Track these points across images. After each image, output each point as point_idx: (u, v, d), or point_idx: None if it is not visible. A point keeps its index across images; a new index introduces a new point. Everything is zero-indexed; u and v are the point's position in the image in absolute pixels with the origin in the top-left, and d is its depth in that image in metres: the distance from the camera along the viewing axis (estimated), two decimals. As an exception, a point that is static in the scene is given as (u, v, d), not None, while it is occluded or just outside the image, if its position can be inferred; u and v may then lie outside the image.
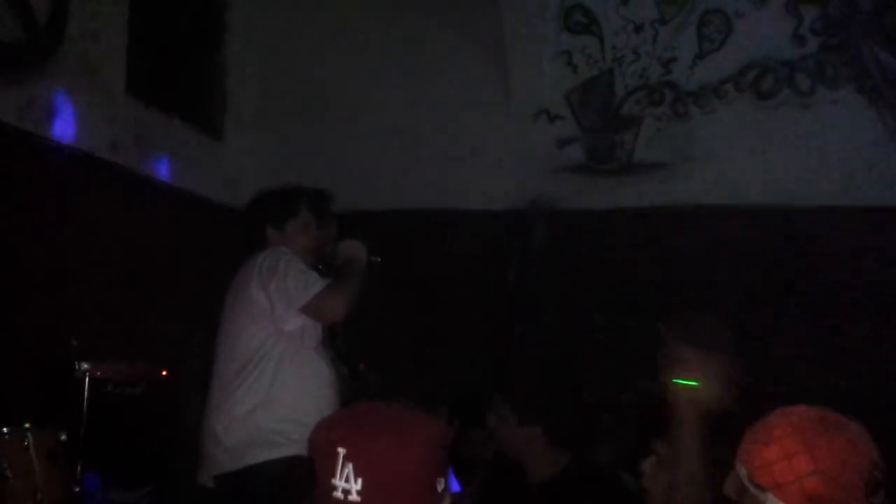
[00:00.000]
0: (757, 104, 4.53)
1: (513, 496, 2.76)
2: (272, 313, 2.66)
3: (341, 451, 1.25)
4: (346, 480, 1.24)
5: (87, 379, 3.30)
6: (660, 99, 4.66)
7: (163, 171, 4.35)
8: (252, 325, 2.69)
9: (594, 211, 4.65)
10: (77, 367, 3.30)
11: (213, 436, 2.70)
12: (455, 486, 2.76)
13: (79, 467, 3.11)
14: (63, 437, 2.91)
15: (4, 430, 2.73)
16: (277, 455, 2.60)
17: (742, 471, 1.54)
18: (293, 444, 2.57)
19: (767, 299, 4.31)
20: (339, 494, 1.24)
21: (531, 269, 4.74)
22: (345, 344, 3.13)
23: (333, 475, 1.25)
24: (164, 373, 3.75)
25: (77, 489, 2.95)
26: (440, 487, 1.32)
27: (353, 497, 1.24)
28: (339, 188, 3.71)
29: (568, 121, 4.80)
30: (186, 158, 4.60)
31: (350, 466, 1.24)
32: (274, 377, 2.67)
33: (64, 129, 3.71)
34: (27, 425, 2.80)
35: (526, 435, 2.63)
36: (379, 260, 3.02)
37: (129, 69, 4.16)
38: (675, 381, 1.83)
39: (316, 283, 2.67)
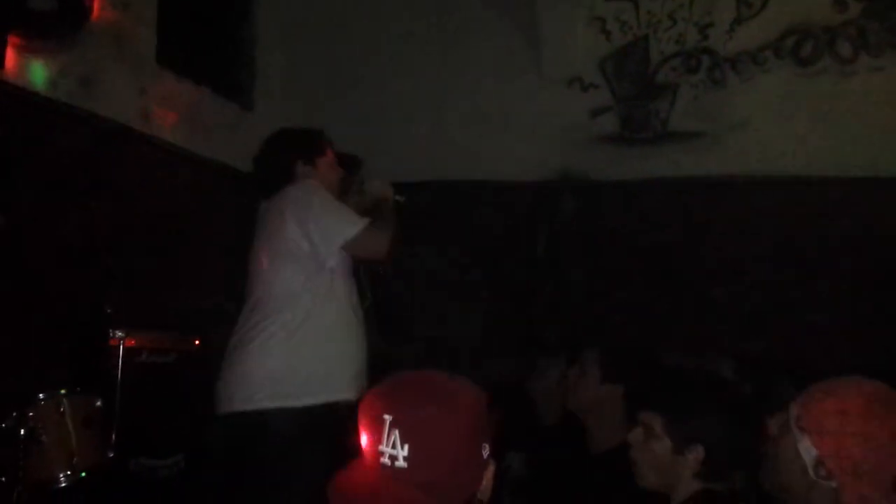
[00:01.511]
0: (796, 71, 4.41)
1: (571, 464, 2.63)
2: (311, 250, 2.64)
3: (388, 417, 1.29)
4: (393, 447, 1.27)
5: (121, 347, 3.34)
6: (696, 66, 4.55)
7: (193, 140, 4.35)
8: (289, 263, 2.67)
9: (627, 181, 4.58)
10: (111, 335, 3.34)
11: (231, 372, 2.65)
12: None
13: (113, 434, 3.15)
14: (98, 404, 2.96)
15: (40, 395, 2.78)
16: (292, 404, 2.55)
17: (793, 411, 1.56)
18: (310, 395, 2.56)
19: (802, 271, 4.23)
20: (386, 460, 1.28)
21: (561, 241, 4.70)
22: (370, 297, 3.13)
23: (381, 442, 1.29)
24: (196, 342, 3.78)
25: (111, 454, 2.98)
26: (485, 453, 1.35)
27: (401, 463, 1.27)
28: (368, 159, 3.73)
29: (602, 89, 4.71)
30: (216, 128, 4.59)
31: (397, 433, 1.27)
32: (305, 319, 2.64)
33: (95, 99, 3.72)
34: (63, 391, 2.85)
35: (606, 393, 2.50)
36: (404, 200, 3.03)
37: (159, 40, 4.16)
38: None
39: (359, 221, 2.69)
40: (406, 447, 1.27)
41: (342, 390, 2.61)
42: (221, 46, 4.86)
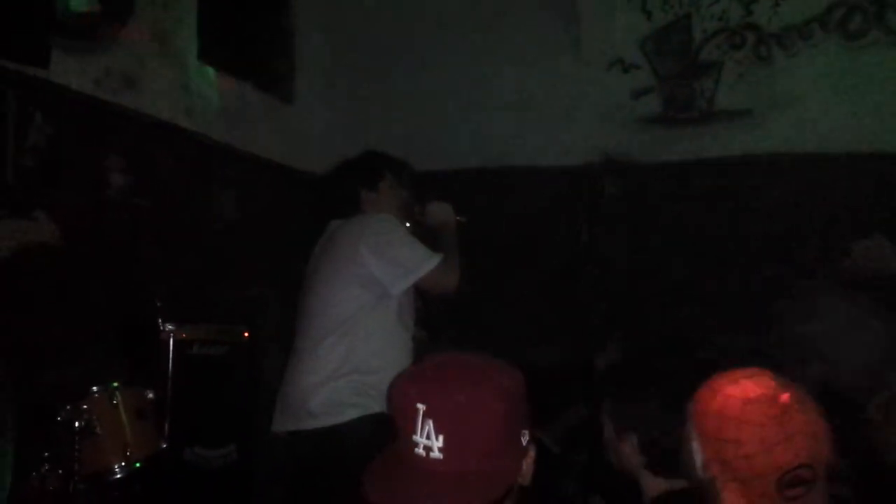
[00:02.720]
0: (844, 45, 4.28)
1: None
2: (380, 280, 2.70)
3: (421, 407, 1.23)
4: (428, 437, 1.22)
5: (171, 340, 3.40)
6: (741, 42, 4.45)
7: (236, 136, 4.39)
8: (353, 288, 2.73)
9: (671, 163, 4.50)
10: (162, 328, 3.40)
11: (298, 394, 2.73)
12: None
13: (166, 425, 3.21)
14: (150, 395, 3.01)
15: (94, 388, 2.83)
16: (361, 413, 2.63)
17: (689, 407, 1.54)
18: (376, 404, 2.61)
19: (856, 251, 4.12)
20: (420, 451, 1.23)
21: (604, 225, 4.65)
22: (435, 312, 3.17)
23: (415, 431, 1.24)
24: (246, 334, 3.83)
25: (165, 445, 3.03)
26: (524, 440, 1.29)
27: (436, 454, 1.22)
28: (409, 149, 3.72)
29: (643, 70, 4.63)
30: (258, 123, 4.63)
31: (430, 423, 1.22)
32: (365, 341, 2.70)
33: (139, 97, 3.77)
34: (115, 384, 2.90)
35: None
36: (466, 220, 3.04)
37: (199, 36, 4.20)
38: None
39: (432, 257, 2.74)
40: (441, 438, 1.22)
41: None
42: (261, 41, 4.89)
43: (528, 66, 4.80)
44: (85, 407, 2.75)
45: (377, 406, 2.61)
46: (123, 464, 2.79)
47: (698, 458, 1.49)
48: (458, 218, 3.02)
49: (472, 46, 4.90)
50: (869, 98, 4.22)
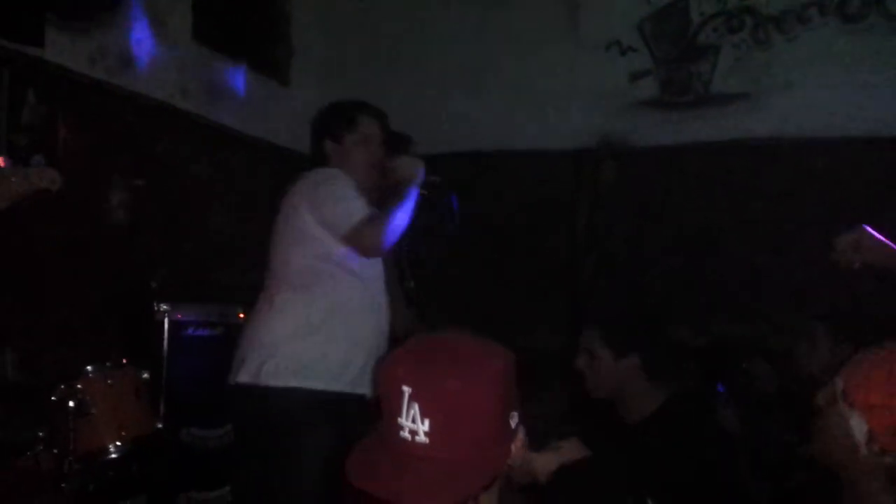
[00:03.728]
0: (843, 29, 4.26)
1: (611, 437, 2.59)
2: (320, 238, 2.55)
3: (406, 390, 1.19)
4: (413, 421, 1.19)
5: (166, 321, 3.39)
6: (739, 25, 4.43)
7: (231, 117, 4.37)
8: (301, 246, 2.58)
9: (668, 146, 4.49)
10: (157, 309, 3.39)
11: (249, 347, 2.58)
12: None
13: (161, 405, 3.21)
14: (145, 376, 3.00)
15: (89, 368, 2.82)
16: (301, 385, 2.47)
17: (839, 384, 1.49)
18: (321, 380, 2.48)
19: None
20: (406, 434, 1.19)
21: (602, 209, 4.64)
22: (411, 280, 3.09)
23: (399, 414, 1.20)
24: (241, 315, 3.81)
25: (160, 426, 3.03)
26: (513, 422, 1.26)
27: (421, 438, 1.18)
28: (406, 131, 3.71)
29: (641, 52, 4.61)
30: (254, 104, 4.61)
31: (416, 407, 1.19)
32: (321, 302, 2.55)
33: (134, 76, 3.75)
34: (110, 364, 2.90)
35: (625, 369, 2.39)
36: (439, 180, 2.92)
37: (195, 16, 4.17)
38: None
39: (355, 213, 2.51)
40: (427, 422, 1.18)
41: (355, 383, 2.55)
42: (257, 21, 4.86)
43: (526, 49, 4.77)
44: (79, 387, 2.74)
45: (322, 382, 2.48)
46: (118, 444, 2.78)
47: (861, 433, 1.45)
48: (430, 178, 2.84)
49: (469, 29, 4.88)
50: (867, 81, 4.20)
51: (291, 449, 2.44)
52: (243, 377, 2.53)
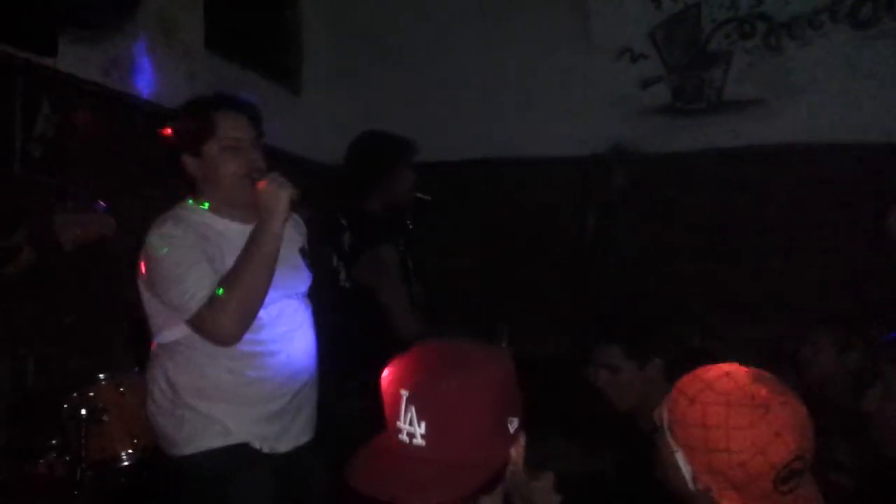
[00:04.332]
0: (854, 35, 4.26)
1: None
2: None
3: (404, 393, 1.22)
4: (411, 424, 1.21)
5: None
6: (750, 31, 4.42)
7: (244, 125, 4.38)
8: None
9: (681, 153, 4.49)
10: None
11: None
12: None
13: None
14: (157, 384, 3.00)
15: (101, 376, 2.83)
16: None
17: (664, 416, 1.48)
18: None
19: (865, 241, 4.09)
20: (404, 437, 1.22)
21: (613, 216, 4.63)
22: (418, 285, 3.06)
23: (398, 417, 1.22)
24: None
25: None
26: (512, 427, 1.26)
27: (418, 441, 1.21)
28: (417, 139, 3.71)
29: (652, 59, 4.61)
30: (265, 113, 4.60)
31: (413, 410, 1.21)
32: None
33: (146, 85, 3.77)
34: (122, 372, 2.90)
35: (650, 376, 2.38)
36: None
37: (206, 25, 4.20)
38: None
39: (190, 294, 2.04)
40: (423, 425, 1.20)
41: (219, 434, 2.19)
42: (268, 30, 4.89)
43: (536, 56, 4.78)
44: (92, 394, 2.75)
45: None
46: (130, 451, 2.79)
47: (686, 471, 1.43)
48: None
49: (479, 36, 4.89)
50: (880, 87, 4.19)
51: None
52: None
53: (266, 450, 2.22)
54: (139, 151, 3.73)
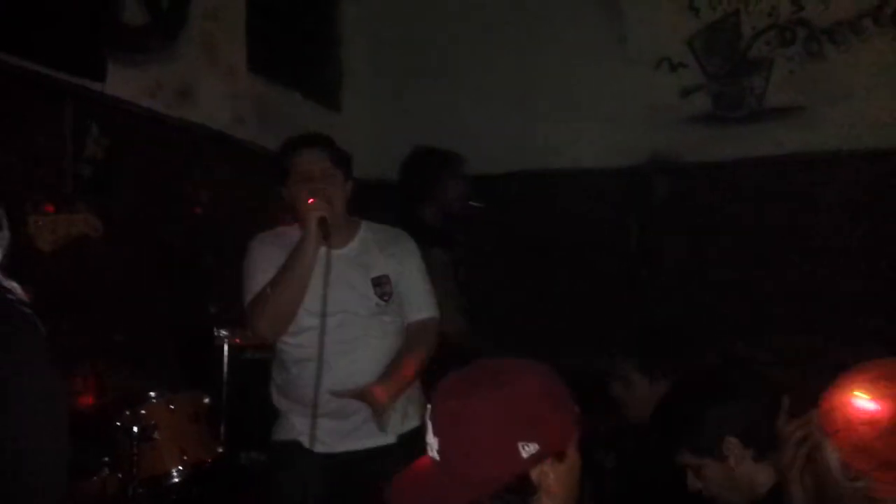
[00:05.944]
0: (898, 38, 4.19)
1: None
2: None
3: (429, 408, 1.29)
4: (432, 437, 1.28)
5: (225, 345, 3.44)
6: (791, 38, 4.37)
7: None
8: None
9: (722, 162, 4.44)
10: (216, 334, 3.44)
11: None
12: None
13: (222, 429, 3.25)
14: (206, 401, 3.05)
15: (152, 394, 2.88)
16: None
17: (815, 414, 1.48)
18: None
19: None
20: (431, 451, 1.28)
21: (655, 227, 4.59)
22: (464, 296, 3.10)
23: (427, 432, 1.29)
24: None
25: (221, 449, 3.07)
26: (526, 453, 1.21)
27: (435, 454, 1.26)
28: (457, 152, 3.74)
29: (691, 68, 4.57)
30: (306, 130, 4.67)
31: (430, 424, 1.28)
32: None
33: (191, 108, 3.84)
34: (172, 390, 2.95)
35: (658, 391, 2.38)
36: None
37: (249, 47, 4.27)
38: None
39: (246, 295, 2.54)
40: (437, 440, 1.26)
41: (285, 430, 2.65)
42: (309, 50, 4.95)
43: (574, 67, 4.76)
44: (143, 412, 2.80)
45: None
46: (181, 468, 2.83)
47: (835, 460, 1.41)
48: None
49: (516, 48, 4.88)
50: (925, 91, 4.11)
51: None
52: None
53: (319, 448, 2.50)
54: (185, 171, 3.81)
